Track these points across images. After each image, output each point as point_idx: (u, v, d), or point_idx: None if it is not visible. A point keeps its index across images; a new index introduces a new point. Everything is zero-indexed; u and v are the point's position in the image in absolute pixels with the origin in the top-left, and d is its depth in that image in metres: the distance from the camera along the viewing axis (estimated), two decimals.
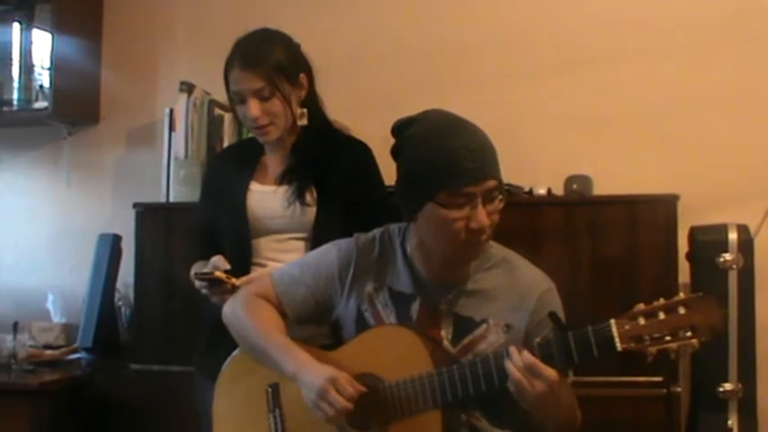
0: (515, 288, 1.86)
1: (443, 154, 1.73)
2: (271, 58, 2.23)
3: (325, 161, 2.27)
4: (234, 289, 2.11)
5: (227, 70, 2.27)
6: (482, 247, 1.81)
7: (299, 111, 2.29)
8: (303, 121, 2.30)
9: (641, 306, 1.62)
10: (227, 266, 2.17)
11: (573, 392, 1.77)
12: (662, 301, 1.61)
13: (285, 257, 2.19)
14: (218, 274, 2.14)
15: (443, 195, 1.73)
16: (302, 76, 2.29)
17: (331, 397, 1.72)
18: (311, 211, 2.23)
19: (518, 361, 1.65)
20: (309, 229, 2.24)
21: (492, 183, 1.74)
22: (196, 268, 2.35)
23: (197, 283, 2.20)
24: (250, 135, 2.54)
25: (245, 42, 2.27)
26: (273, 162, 2.33)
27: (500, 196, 1.76)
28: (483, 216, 1.73)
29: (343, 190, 2.24)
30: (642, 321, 1.60)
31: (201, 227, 2.42)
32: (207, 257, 2.34)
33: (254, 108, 2.22)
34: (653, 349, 1.59)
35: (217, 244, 2.34)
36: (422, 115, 1.84)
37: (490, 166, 1.75)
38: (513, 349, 1.67)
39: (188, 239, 2.56)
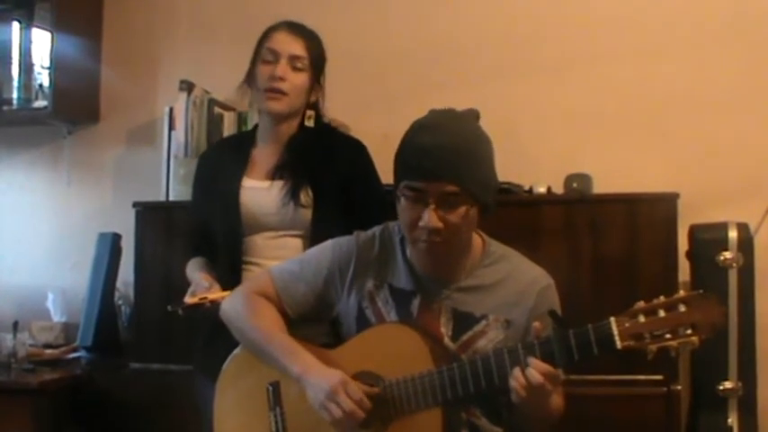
0: (515, 284, 1.86)
1: (410, 147, 1.77)
2: (315, 42, 2.32)
3: (321, 159, 2.28)
4: (214, 304, 2.11)
5: (269, 31, 2.30)
6: (437, 248, 1.78)
7: (308, 112, 2.31)
8: (310, 123, 2.33)
9: (641, 304, 1.62)
10: (205, 284, 2.18)
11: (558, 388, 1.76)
12: (662, 298, 1.61)
13: (279, 254, 2.20)
14: (190, 301, 2.15)
15: (402, 186, 1.78)
16: (322, 80, 2.35)
17: (341, 399, 1.73)
18: (306, 212, 2.23)
19: (540, 368, 1.63)
20: (305, 226, 2.24)
21: (450, 187, 1.72)
22: (190, 268, 2.36)
23: (180, 312, 2.18)
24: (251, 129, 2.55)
25: (294, 22, 2.32)
26: (266, 155, 2.33)
27: (464, 206, 1.74)
28: (431, 217, 1.73)
29: (340, 189, 2.25)
30: (642, 319, 1.60)
31: (196, 223, 2.43)
32: (202, 254, 2.37)
33: (282, 69, 2.25)
34: (653, 347, 1.58)
35: (211, 240, 2.34)
36: (440, 109, 1.86)
37: (451, 170, 1.72)
38: (534, 361, 1.65)
39: (184, 236, 2.57)
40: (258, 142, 2.36)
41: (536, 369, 1.63)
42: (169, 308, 2.19)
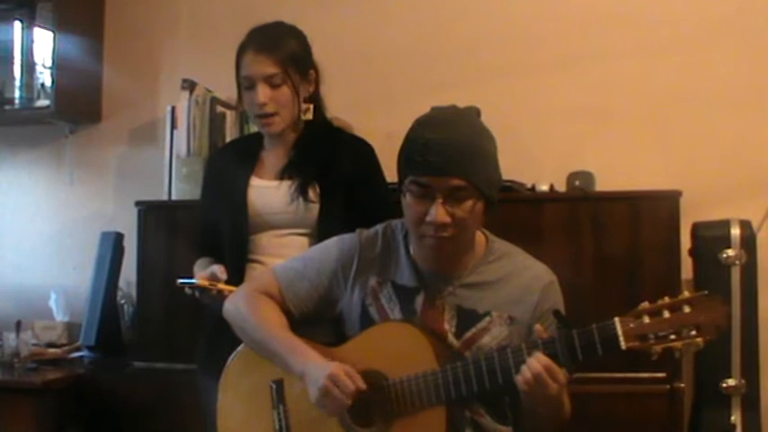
0: (518, 281, 1.86)
1: (415, 142, 1.76)
2: (285, 47, 2.24)
3: (327, 158, 2.28)
4: (220, 294, 2.11)
5: (239, 55, 2.26)
6: (444, 243, 1.79)
7: (304, 106, 2.30)
8: (308, 116, 2.31)
9: (646, 304, 1.62)
10: (224, 277, 2.17)
11: (566, 390, 1.77)
12: (666, 299, 1.61)
13: (284, 253, 2.19)
14: (200, 282, 2.15)
15: (408, 182, 1.77)
16: (312, 72, 2.31)
17: (333, 393, 1.73)
18: (314, 208, 2.23)
19: (541, 359, 1.65)
20: (311, 224, 2.24)
21: (457, 182, 1.73)
22: (198, 267, 2.35)
23: (186, 289, 2.19)
24: (253, 131, 2.54)
25: (261, 30, 2.28)
26: (274, 157, 2.33)
27: (471, 200, 1.75)
28: (438, 212, 1.73)
29: (345, 188, 2.25)
30: (647, 320, 1.60)
31: (204, 223, 2.43)
32: (209, 254, 2.36)
33: (262, 94, 2.22)
34: (657, 348, 1.59)
35: (219, 240, 2.34)
36: (442, 106, 1.86)
37: (458, 164, 1.73)
38: (538, 354, 1.66)
39: (190, 236, 2.56)
40: (266, 145, 2.36)
41: (536, 359, 1.64)
42: (178, 281, 2.18)
